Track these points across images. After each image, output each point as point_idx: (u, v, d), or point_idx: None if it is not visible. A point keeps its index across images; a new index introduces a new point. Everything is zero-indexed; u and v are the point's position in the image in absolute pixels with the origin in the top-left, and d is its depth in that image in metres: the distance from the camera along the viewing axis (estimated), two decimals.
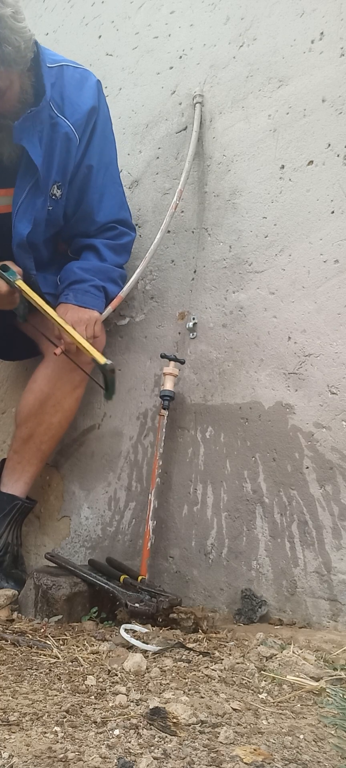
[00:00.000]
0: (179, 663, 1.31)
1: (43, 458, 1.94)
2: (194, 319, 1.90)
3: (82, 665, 1.31)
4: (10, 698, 1.12)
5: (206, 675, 1.26)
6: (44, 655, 1.38)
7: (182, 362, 1.87)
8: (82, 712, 1.06)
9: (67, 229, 1.91)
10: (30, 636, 1.50)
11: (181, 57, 2.04)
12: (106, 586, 1.62)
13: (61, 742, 0.93)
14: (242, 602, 1.67)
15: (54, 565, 1.77)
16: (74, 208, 1.87)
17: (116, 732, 0.97)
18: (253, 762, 0.89)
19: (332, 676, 1.26)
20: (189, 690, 1.17)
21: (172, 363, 1.84)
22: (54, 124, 1.73)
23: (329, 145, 1.71)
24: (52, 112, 1.72)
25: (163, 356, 1.86)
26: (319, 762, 0.92)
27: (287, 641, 1.45)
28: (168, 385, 1.83)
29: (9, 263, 1.75)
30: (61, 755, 0.89)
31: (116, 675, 1.24)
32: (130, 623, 1.52)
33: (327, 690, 1.18)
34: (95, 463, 2.05)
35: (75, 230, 1.91)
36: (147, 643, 1.39)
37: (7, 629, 1.55)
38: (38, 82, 1.68)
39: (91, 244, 1.88)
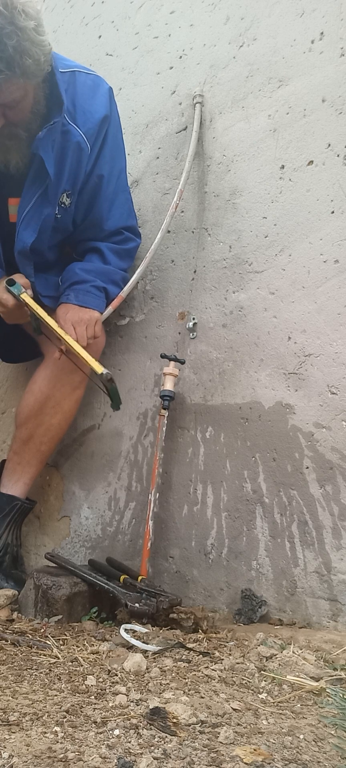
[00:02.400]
0: (178, 663, 1.31)
1: (42, 459, 1.95)
2: (193, 319, 1.90)
3: (82, 665, 1.31)
4: (10, 698, 1.12)
5: (206, 675, 1.26)
6: (44, 655, 1.38)
7: (182, 362, 1.87)
8: (82, 712, 1.06)
9: (75, 234, 1.92)
10: (30, 636, 1.50)
11: (181, 57, 2.04)
12: (106, 586, 1.63)
13: (61, 742, 0.93)
14: (242, 602, 1.67)
15: (54, 565, 1.77)
16: (83, 216, 1.87)
17: (116, 732, 0.97)
18: (253, 762, 0.89)
19: (332, 676, 1.26)
20: (189, 690, 1.17)
21: (172, 363, 1.84)
22: (65, 131, 1.72)
23: (329, 145, 1.71)
24: (64, 120, 1.71)
25: (163, 356, 1.86)
26: (319, 762, 0.92)
27: (287, 641, 1.45)
28: (168, 385, 1.83)
29: (16, 276, 1.75)
30: (61, 755, 0.89)
31: (116, 675, 1.24)
32: (130, 623, 1.53)
33: (327, 690, 1.18)
34: (95, 463, 2.05)
35: (83, 236, 1.92)
36: (147, 643, 1.39)
37: (7, 629, 1.55)
38: (52, 92, 1.67)
39: (97, 247, 1.88)
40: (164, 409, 1.82)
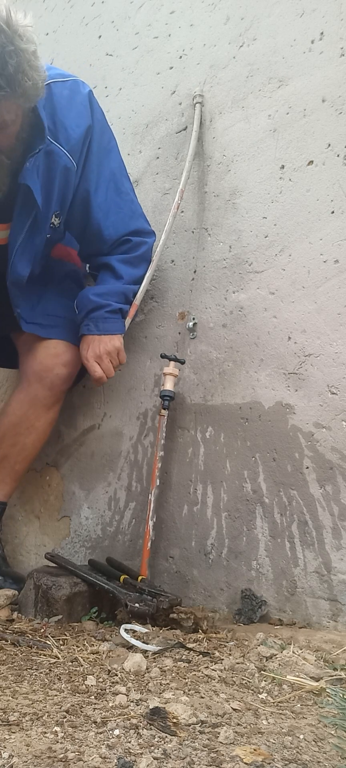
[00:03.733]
0: (178, 663, 1.31)
1: (17, 478, 1.97)
2: (194, 319, 1.90)
3: (82, 665, 1.31)
4: (10, 698, 1.12)
5: (206, 675, 1.26)
6: (44, 655, 1.38)
7: (182, 362, 1.87)
8: (82, 712, 1.06)
9: (83, 250, 1.93)
10: (30, 636, 1.50)
11: (181, 57, 2.05)
12: (106, 586, 1.63)
13: (61, 742, 0.93)
14: (242, 602, 1.67)
15: (54, 565, 1.77)
16: (81, 232, 1.86)
17: (116, 732, 0.97)
18: (253, 762, 0.89)
19: (332, 676, 1.26)
20: (189, 690, 1.17)
21: (172, 363, 1.84)
22: (49, 152, 1.66)
23: (329, 145, 1.71)
24: (46, 140, 1.66)
25: (163, 356, 1.86)
26: (319, 762, 0.92)
27: (287, 641, 1.45)
28: (168, 385, 1.83)
29: None
30: (61, 755, 0.89)
31: (116, 675, 1.24)
32: (130, 623, 1.52)
33: (327, 690, 1.18)
34: (95, 463, 2.05)
35: (89, 251, 1.91)
36: (147, 643, 1.39)
37: (7, 629, 1.55)
38: (34, 114, 1.61)
39: (107, 263, 1.85)
40: (164, 409, 1.82)
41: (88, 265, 2.03)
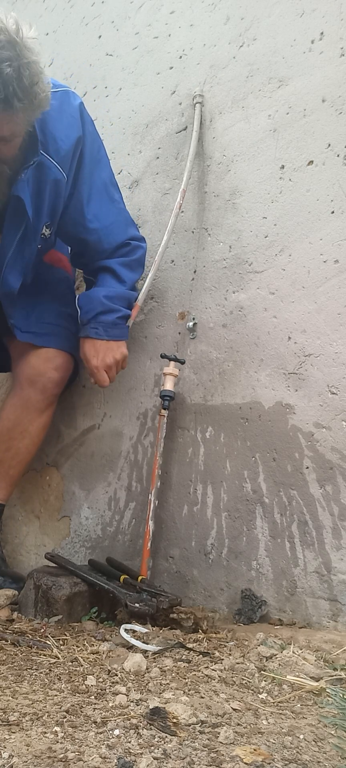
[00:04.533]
0: (178, 663, 1.31)
1: (12, 482, 1.97)
2: (194, 319, 1.90)
3: (82, 665, 1.31)
4: (10, 698, 1.12)
5: (206, 675, 1.26)
6: (44, 655, 1.38)
7: (182, 362, 1.87)
8: (82, 712, 1.06)
9: (77, 258, 1.93)
10: (30, 636, 1.50)
11: (181, 57, 2.05)
12: (106, 586, 1.63)
13: (61, 742, 0.93)
14: (242, 602, 1.67)
15: (54, 565, 1.77)
16: (76, 241, 1.87)
17: (116, 732, 0.97)
18: (253, 762, 0.89)
19: (332, 676, 1.26)
20: (189, 690, 1.17)
21: (172, 363, 1.84)
22: (39, 164, 1.65)
23: (329, 145, 1.71)
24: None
25: (163, 356, 1.86)
26: (319, 762, 0.92)
27: (287, 641, 1.45)
28: (168, 385, 1.83)
29: None
30: (61, 755, 0.89)
31: (116, 675, 1.25)
32: (130, 623, 1.53)
33: (327, 690, 1.18)
34: (95, 463, 2.05)
35: (86, 258, 1.91)
36: (147, 643, 1.39)
37: (7, 629, 1.55)
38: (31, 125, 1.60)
39: (107, 266, 1.85)
40: (164, 409, 1.82)
41: (82, 271, 2.04)
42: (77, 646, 1.44)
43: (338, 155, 1.69)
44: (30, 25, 1.45)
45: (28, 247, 1.74)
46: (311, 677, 1.25)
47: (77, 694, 1.15)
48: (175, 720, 1.01)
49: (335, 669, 1.29)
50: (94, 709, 1.07)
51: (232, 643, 1.48)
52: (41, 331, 1.88)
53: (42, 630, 1.53)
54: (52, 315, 1.91)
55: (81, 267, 2.02)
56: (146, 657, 1.33)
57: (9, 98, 1.42)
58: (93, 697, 1.14)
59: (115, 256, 1.86)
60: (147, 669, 1.27)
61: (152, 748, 0.92)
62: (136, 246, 1.88)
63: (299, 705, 1.14)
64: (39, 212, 1.71)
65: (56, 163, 1.68)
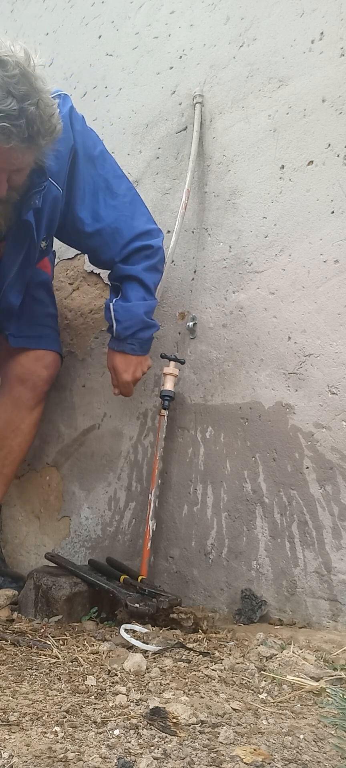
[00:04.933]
0: (178, 663, 1.31)
1: (6, 482, 1.98)
2: (193, 319, 1.90)
3: (82, 665, 1.31)
4: (10, 698, 1.12)
5: (206, 675, 1.26)
6: (44, 655, 1.38)
7: (182, 362, 1.87)
8: (82, 712, 1.06)
9: (94, 260, 1.90)
10: (30, 636, 1.50)
11: (181, 57, 2.04)
12: (106, 586, 1.63)
13: (61, 742, 0.93)
14: (242, 602, 1.67)
15: (54, 565, 1.77)
16: (86, 249, 1.89)
17: (116, 732, 0.97)
18: (253, 762, 0.89)
19: (332, 676, 1.26)
20: (189, 690, 1.17)
21: (172, 363, 1.84)
22: None
23: (329, 145, 1.71)
24: None
25: (163, 356, 1.86)
26: (319, 762, 0.92)
27: (287, 641, 1.45)
28: (168, 385, 1.83)
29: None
30: (61, 755, 0.89)
31: (116, 675, 1.25)
32: (130, 623, 1.53)
33: (327, 690, 1.18)
34: (95, 463, 2.05)
35: (103, 259, 1.84)
36: (147, 643, 1.39)
37: (7, 629, 1.55)
38: None
39: (133, 275, 1.77)
40: (164, 409, 1.82)
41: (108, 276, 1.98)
42: (77, 646, 1.44)
43: (338, 155, 1.69)
44: (35, 50, 1.40)
45: (29, 267, 1.75)
46: (311, 677, 1.25)
47: (77, 694, 1.15)
48: (175, 720, 1.01)
49: (335, 669, 1.29)
50: (94, 709, 1.07)
51: (232, 643, 1.48)
52: (33, 334, 1.91)
53: (42, 630, 1.53)
54: (40, 317, 1.94)
55: (104, 268, 1.97)
56: (146, 657, 1.33)
57: (33, 137, 1.40)
58: (93, 697, 1.14)
59: (139, 261, 1.78)
60: (147, 669, 1.27)
61: (152, 748, 0.92)
62: (157, 246, 1.80)
63: (299, 705, 1.14)
64: (39, 230, 1.69)
65: (54, 180, 1.65)
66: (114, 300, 1.78)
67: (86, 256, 2.04)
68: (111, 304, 1.78)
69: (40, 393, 1.95)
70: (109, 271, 1.87)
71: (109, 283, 1.90)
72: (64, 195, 1.71)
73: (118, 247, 1.77)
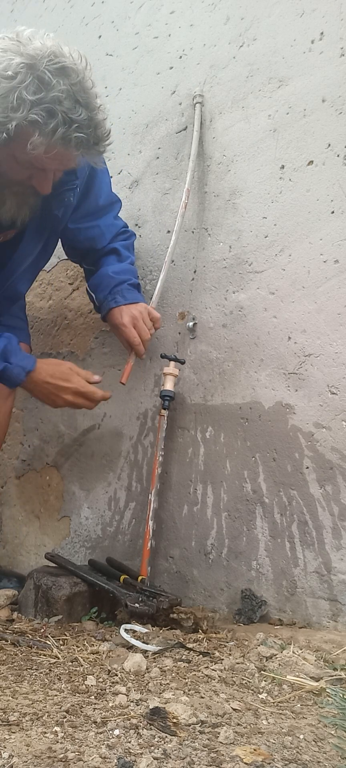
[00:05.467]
0: (178, 663, 1.31)
1: None
2: (194, 319, 1.90)
3: (82, 665, 1.31)
4: (10, 698, 1.12)
5: (206, 675, 1.26)
6: (44, 655, 1.38)
7: (182, 362, 1.87)
8: (82, 712, 1.06)
9: (82, 256, 1.95)
10: (30, 636, 1.50)
11: (181, 57, 2.04)
12: (106, 587, 1.63)
13: (61, 742, 0.93)
14: (242, 602, 1.67)
15: (54, 565, 1.77)
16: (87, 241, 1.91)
17: (116, 732, 0.97)
18: (253, 762, 0.89)
19: (332, 676, 1.26)
20: (189, 690, 1.17)
21: (172, 363, 1.84)
22: None
23: (329, 145, 1.71)
24: None
25: (163, 356, 1.86)
26: (319, 762, 0.92)
27: (287, 641, 1.45)
28: (168, 385, 1.83)
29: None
30: (61, 755, 0.89)
31: (116, 675, 1.25)
32: (130, 623, 1.53)
33: (327, 690, 1.18)
34: (95, 463, 2.05)
35: (88, 256, 1.93)
36: (147, 643, 1.39)
37: (7, 629, 1.55)
38: None
39: (111, 249, 1.89)
40: (164, 409, 1.82)
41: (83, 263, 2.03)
42: (77, 646, 1.44)
43: (338, 155, 1.69)
44: (80, 54, 1.41)
45: (44, 258, 1.81)
46: (311, 677, 1.25)
47: (77, 694, 1.15)
48: (175, 720, 1.01)
49: (335, 669, 1.29)
50: (94, 709, 1.07)
51: (232, 643, 1.48)
52: (14, 325, 1.87)
53: (42, 630, 1.53)
54: (16, 309, 1.92)
55: (80, 261, 2.00)
56: (146, 657, 1.33)
57: (97, 143, 1.45)
58: (93, 697, 1.14)
59: (117, 240, 1.90)
60: (147, 669, 1.27)
61: (152, 748, 0.92)
62: (131, 232, 1.95)
63: (299, 705, 1.14)
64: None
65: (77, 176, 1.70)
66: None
67: None
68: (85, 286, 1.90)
69: None
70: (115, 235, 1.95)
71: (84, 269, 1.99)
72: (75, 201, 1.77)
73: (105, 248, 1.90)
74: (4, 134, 1.35)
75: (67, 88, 1.34)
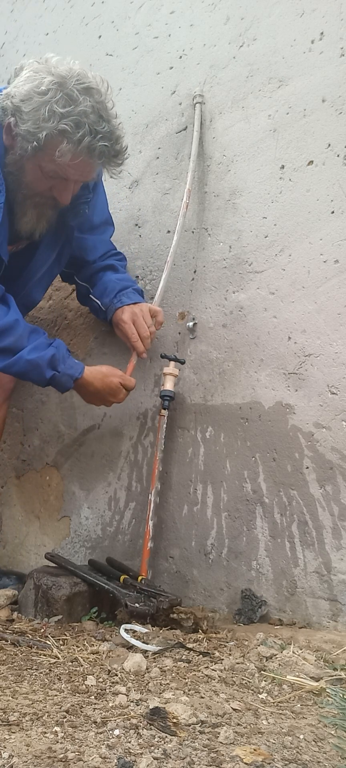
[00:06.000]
0: (178, 663, 1.31)
1: None
2: (194, 319, 1.90)
3: (82, 665, 1.31)
4: (10, 698, 1.12)
5: (206, 675, 1.26)
6: (44, 655, 1.38)
7: (182, 362, 1.87)
8: (82, 712, 1.06)
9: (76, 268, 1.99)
10: (30, 636, 1.50)
11: (181, 57, 2.04)
12: (106, 586, 1.62)
13: (61, 742, 0.93)
14: (242, 602, 1.67)
15: (54, 565, 1.77)
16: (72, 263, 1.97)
17: (116, 732, 0.97)
18: (253, 762, 0.89)
19: (332, 676, 1.26)
20: (189, 690, 1.17)
21: (172, 363, 1.84)
22: None
23: (329, 145, 1.71)
24: None
25: (163, 356, 1.86)
26: (319, 762, 0.92)
27: (287, 641, 1.45)
28: (168, 385, 1.83)
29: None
30: (61, 755, 0.89)
31: (116, 675, 1.24)
32: (130, 623, 1.52)
33: (327, 690, 1.18)
34: (95, 463, 2.05)
35: (82, 267, 1.97)
36: (147, 643, 1.39)
37: (7, 629, 1.55)
38: None
39: (108, 264, 1.94)
40: (164, 409, 1.82)
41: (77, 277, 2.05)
42: (77, 646, 1.43)
43: (338, 155, 1.69)
44: (102, 78, 1.59)
45: (58, 266, 1.86)
46: (311, 677, 1.25)
47: (77, 694, 1.15)
48: (175, 720, 1.01)
49: (335, 669, 1.29)
50: (94, 709, 1.07)
51: (232, 643, 1.48)
52: (105, 306, 1.94)
53: (42, 630, 1.53)
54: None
55: (74, 272, 2.02)
56: (146, 657, 1.33)
57: (116, 156, 1.61)
58: (93, 697, 1.14)
59: (111, 258, 1.96)
60: (147, 669, 1.27)
61: (152, 748, 0.92)
62: (123, 256, 2.02)
63: (299, 705, 1.14)
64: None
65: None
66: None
67: None
68: (89, 295, 1.95)
69: (7, 390, 2.00)
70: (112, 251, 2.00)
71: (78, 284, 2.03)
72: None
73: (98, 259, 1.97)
74: (35, 143, 1.51)
75: (93, 105, 1.51)
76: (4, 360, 1.61)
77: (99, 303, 1.91)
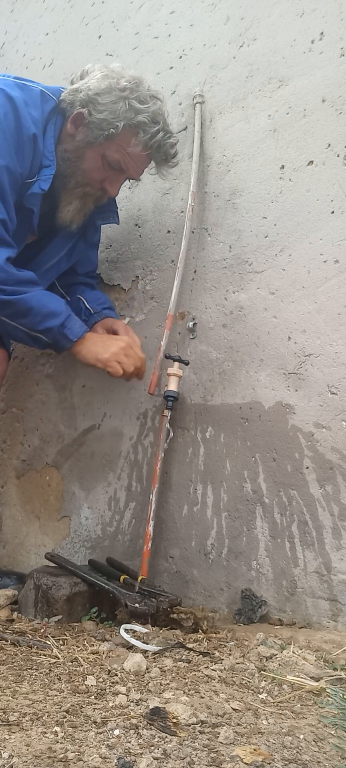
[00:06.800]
0: (178, 663, 1.31)
1: None
2: (194, 319, 1.90)
3: (82, 665, 1.31)
4: (10, 698, 1.12)
5: (206, 675, 1.26)
6: (44, 655, 1.38)
7: (187, 363, 1.86)
8: (82, 712, 1.06)
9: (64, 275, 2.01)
10: (30, 636, 1.50)
11: (181, 57, 2.04)
12: (106, 586, 1.62)
13: (61, 742, 0.93)
14: (242, 602, 1.67)
15: (54, 565, 1.77)
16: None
17: (116, 732, 0.97)
18: (253, 762, 0.89)
19: (332, 676, 1.26)
20: (189, 690, 1.17)
21: (176, 363, 1.84)
22: None
23: (329, 145, 1.71)
24: None
25: (167, 357, 1.85)
26: (319, 762, 0.92)
27: (287, 641, 1.45)
28: (172, 385, 1.83)
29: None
30: (61, 755, 0.89)
31: (116, 675, 1.24)
32: (130, 623, 1.53)
33: (327, 690, 1.18)
34: (95, 463, 2.05)
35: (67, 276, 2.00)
36: (147, 643, 1.39)
37: (7, 629, 1.55)
38: None
39: (89, 282, 2.00)
40: (168, 409, 1.82)
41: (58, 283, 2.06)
42: (77, 646, 1.43)
43: (338, 155, 1.69)
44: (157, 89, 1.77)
45: (67, 261, 1.89)
46: (311, 677, 1.25)
47: (77, 694, 1.15)
48: (175, 720, 1.01)
49: (335, 669, 1.29)
50: (94, 709, 1.07)
51: (232, 643, 1.48)
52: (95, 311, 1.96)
53: (42, 630, 1.53)
54: None
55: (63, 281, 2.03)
56: (146, 657, 1.33)
57: (173, 159, 1.79)
58: (93, 697, 1.14)
59: (91, 279, 2.02)
60: (147, 669, 1.27)
61: (152, 748, 0.92)
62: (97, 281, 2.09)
63: (299, 705, 1.14)
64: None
65: None
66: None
67: None
68: (81, 297, 1.96)
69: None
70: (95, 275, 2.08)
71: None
72: None
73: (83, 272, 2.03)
74: (112, 130, 1.65)
75: (160, 109, 1.71)
76: (24, 287, 1.63)
77: (86, 303, 1.93)
